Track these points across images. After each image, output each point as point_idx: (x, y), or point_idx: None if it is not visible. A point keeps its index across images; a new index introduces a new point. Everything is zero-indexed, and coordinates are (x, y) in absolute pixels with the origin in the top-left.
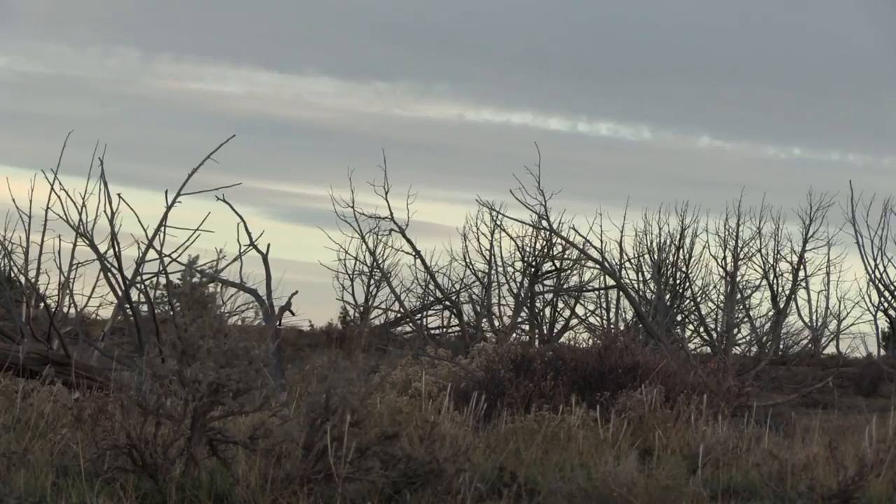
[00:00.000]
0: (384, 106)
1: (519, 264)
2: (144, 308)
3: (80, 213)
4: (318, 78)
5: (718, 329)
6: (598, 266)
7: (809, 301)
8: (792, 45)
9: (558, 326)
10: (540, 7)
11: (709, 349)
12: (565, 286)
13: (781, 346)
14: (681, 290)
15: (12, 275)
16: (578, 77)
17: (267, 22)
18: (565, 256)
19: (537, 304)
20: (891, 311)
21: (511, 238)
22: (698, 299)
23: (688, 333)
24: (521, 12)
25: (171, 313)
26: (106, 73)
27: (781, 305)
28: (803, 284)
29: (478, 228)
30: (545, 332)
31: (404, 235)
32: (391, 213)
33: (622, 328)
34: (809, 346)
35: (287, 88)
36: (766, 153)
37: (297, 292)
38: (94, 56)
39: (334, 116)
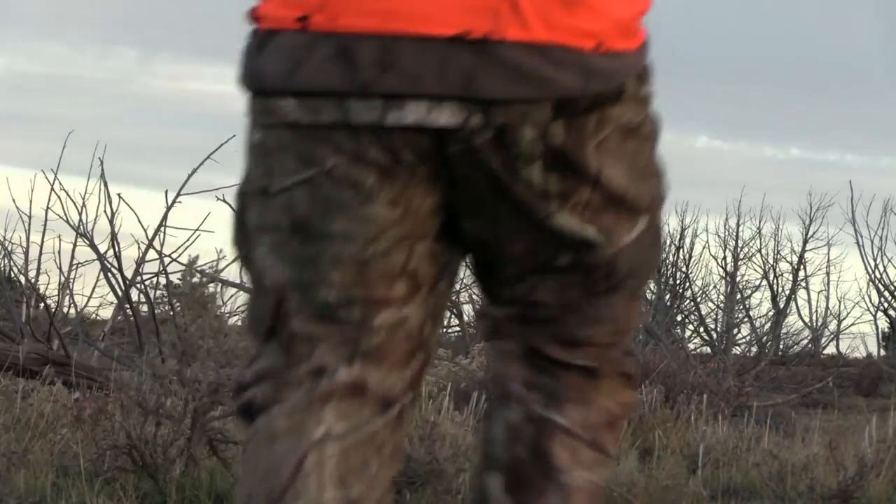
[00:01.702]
0: None
1: None
2: (144, 308)
3: (80, 213)
4: None
5: (718, 329)
6: None
7: (809, 301)
8: (790, 44)
9: None
10: None
11: (709, 349)
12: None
13: (781, 346)
14: (681, 290)
15: (12, 275)
16: None
17: None
18: None
19: None
20: (891, 311)
21: None
22: (698, 299)
23: (688, 333)
24: None
25: (171, 313)
26: (104, 73)
27: (781, 305)
28: (803, 284)
29: None
30: None
31: None
32: None
33: None
34: (809, 346)
35: None
36: (765, 153)
37: None
38: (93, 56)
39: None
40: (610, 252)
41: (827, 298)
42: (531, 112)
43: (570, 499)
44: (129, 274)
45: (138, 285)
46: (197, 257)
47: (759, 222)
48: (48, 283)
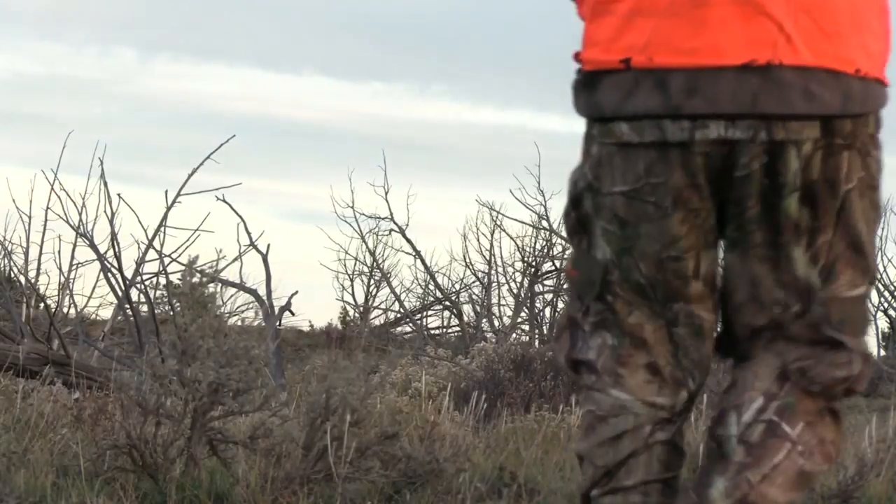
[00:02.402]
0: (382, 106)
1: (519, 264)
2: (144, 308)
3: (80, 213)
4: (314, 78)
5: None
6: None
7: None
8: None
9: None
10: (536, 7)
11: None
12: (565, 286)
13: None
14: None
15: (12, 275)
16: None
17: (262, 22)
18: (565, 256)
19: (537, 304)
20: (891, 311)
21: (511, 238)
22: None
23: None
24: (517, 12)
25: (171, 313)
26: (103, 72)
27: None
28: None
29: (478, 228)
30: (545, 332)
31: (404, 235)
32: (391, 213)
33: None
34: None
35: (284, 88)
36: None
37: (297, 292)
38: (92, 56)
39: (332, 116)
40: (827, 296)
41: None
42: (804, 129)
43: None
44: (129, 274)
45: (138, 285)
46: (197, 257)
47: None
48: (48, 283)
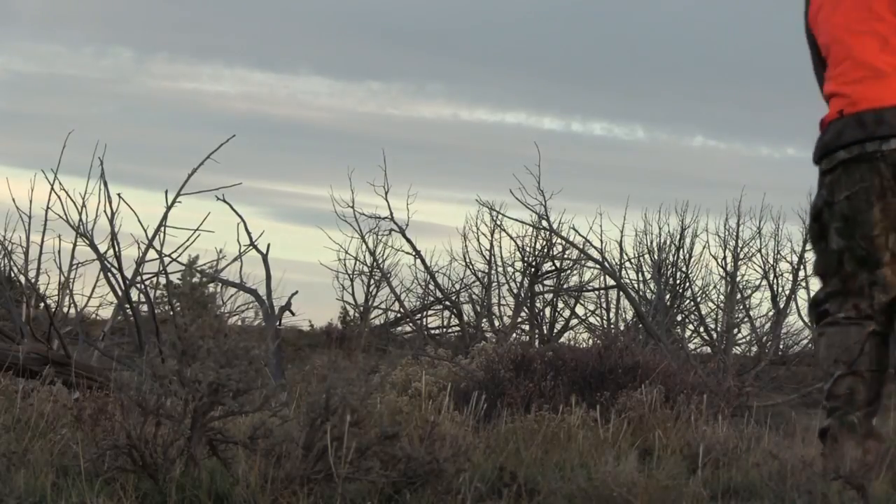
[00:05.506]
0: (378, 106)
1: (519, 264)
2: (144, 308)
3: (80, 213)
4: (311, 77)
5: (718, 329)
6: (598, 266)
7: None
8: (784, 43)
9: (558, 326)
10: (532, 6)
11: (709, 349)
12: (565, 286)
13: (781, 346)
14: (681, 290)
15: (12, 275)
16: (571, 76)
17: (259, 21)
18: (565, 256)
19: (537, 304)
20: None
21: (511, 238)
22: (698, 299)
23: (688, 333)
24: (513, 12)
25: (171, 313)
26: (101, 72)
27: (781, 305)
28: (803, 284)
29: (478, 228)
30: (545, 332)
31: (404, 235)
32: (391, 213)
33: (622, 328)
34: (809, 346)
35: (281, 88)
36: (761, 153)
37: (297, 292)
38: (89, 56)
39: (329, 116)
40: None
41: None
42: None
43: None
44: (129, 274)
45: (138, 285)
46: (197, 257)
47: (759, 222)
48: (48, 283)
